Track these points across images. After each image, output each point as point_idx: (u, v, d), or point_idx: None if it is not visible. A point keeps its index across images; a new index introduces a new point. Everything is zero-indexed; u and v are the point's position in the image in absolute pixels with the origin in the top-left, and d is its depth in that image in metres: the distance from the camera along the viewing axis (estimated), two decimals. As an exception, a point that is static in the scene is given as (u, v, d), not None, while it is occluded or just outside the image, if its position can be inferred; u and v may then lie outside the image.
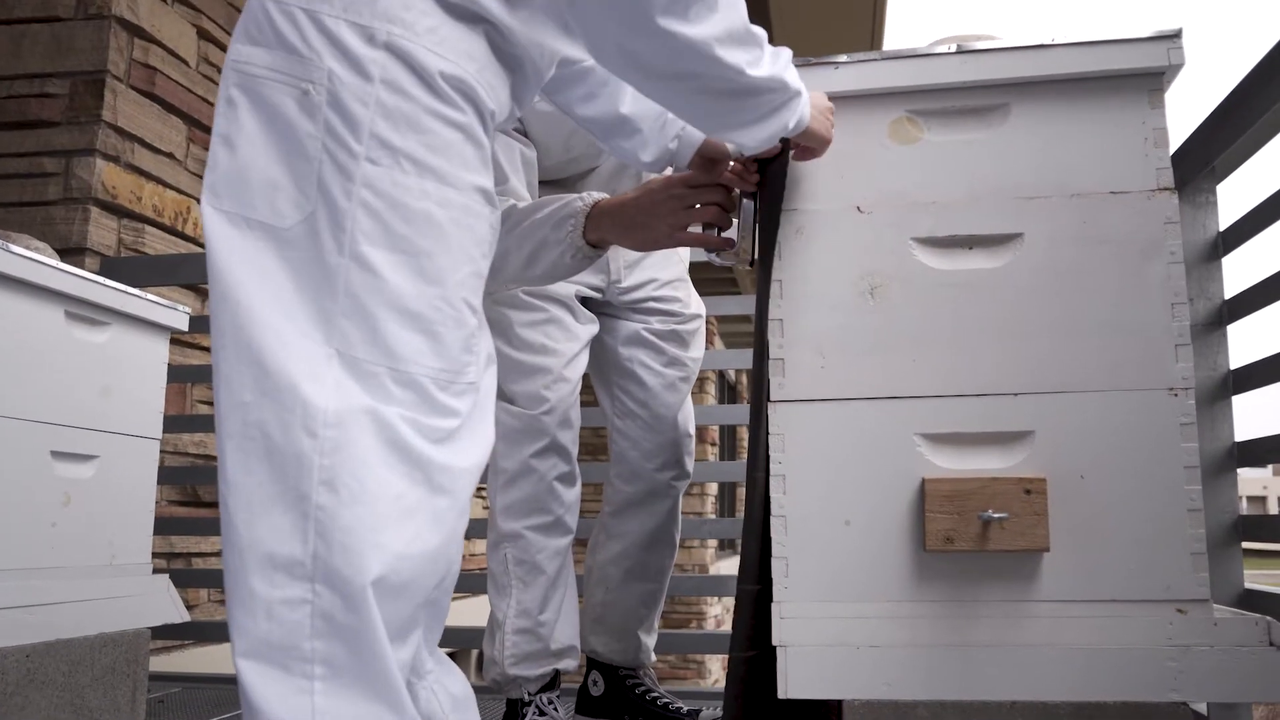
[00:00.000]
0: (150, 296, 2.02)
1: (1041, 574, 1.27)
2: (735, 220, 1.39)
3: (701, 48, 1.08)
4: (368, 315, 0.95)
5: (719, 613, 8.98)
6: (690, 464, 1.92)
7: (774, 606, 1.30)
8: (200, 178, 3.19)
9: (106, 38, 2.82)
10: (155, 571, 2.07)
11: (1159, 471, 1.27)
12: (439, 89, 0.98)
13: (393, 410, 0.95)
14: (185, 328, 2.11)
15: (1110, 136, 1.35)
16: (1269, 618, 1.23)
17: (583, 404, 1.85)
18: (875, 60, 1.40)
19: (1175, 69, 1.33)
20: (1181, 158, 1.94)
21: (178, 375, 2.78)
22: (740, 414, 2.69)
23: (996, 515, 1.23)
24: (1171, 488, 1.27)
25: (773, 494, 1.33)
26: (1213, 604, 1.26)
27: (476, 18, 1.02)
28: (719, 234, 1.41)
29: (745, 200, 1.38)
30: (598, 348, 1.87)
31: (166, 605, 2.06)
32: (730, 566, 9.35)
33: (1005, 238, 1.34)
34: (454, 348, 0.99)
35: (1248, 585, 1.86)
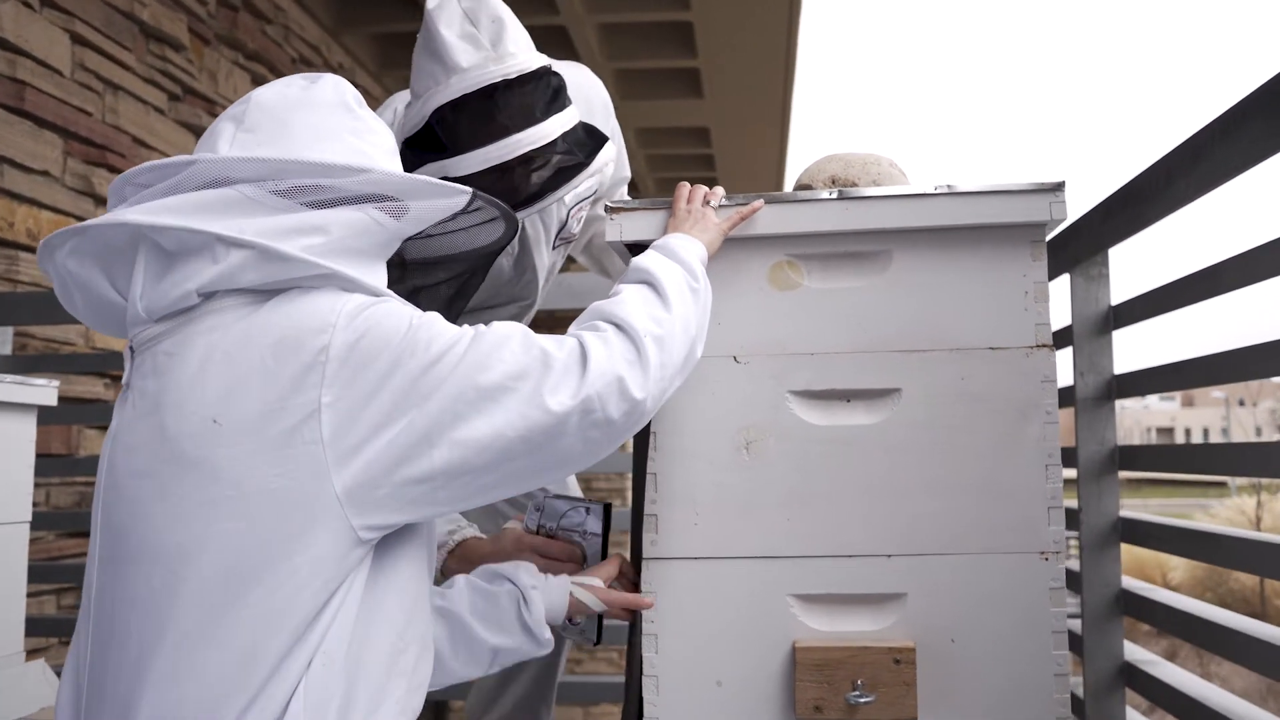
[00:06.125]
0: (10, 378, 1.90)
1: (909, 741, 1.27)
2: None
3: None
4: None
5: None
6: None
7: (646, 770, 1.29)
8: (80, 193, 3.02)
9: (-33, 51, 2.63)
10: (31, 635, 1.98)
11: (1027, 635, 1.27)
12: None
13: None
14: (54, 402, 2.00)
15: (991, 288, 1.32)
16: (1127, 786, 1.25)
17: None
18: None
19: (1056, 222, 1.30)
20: (1075, 235, 1.92)
21: (62, 416, 2.65)
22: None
23: (864, 699, 1.22)
24: (1039, 652, 1.27)
25: (645, 653, 1.31)
26: (1074, 768, 1.28)
27: None
28: None
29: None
30: None
31: (41, 690, 1.98)
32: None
33: (884, 392, 1.31)
34: None
35: (1126, 657, 1.91)
